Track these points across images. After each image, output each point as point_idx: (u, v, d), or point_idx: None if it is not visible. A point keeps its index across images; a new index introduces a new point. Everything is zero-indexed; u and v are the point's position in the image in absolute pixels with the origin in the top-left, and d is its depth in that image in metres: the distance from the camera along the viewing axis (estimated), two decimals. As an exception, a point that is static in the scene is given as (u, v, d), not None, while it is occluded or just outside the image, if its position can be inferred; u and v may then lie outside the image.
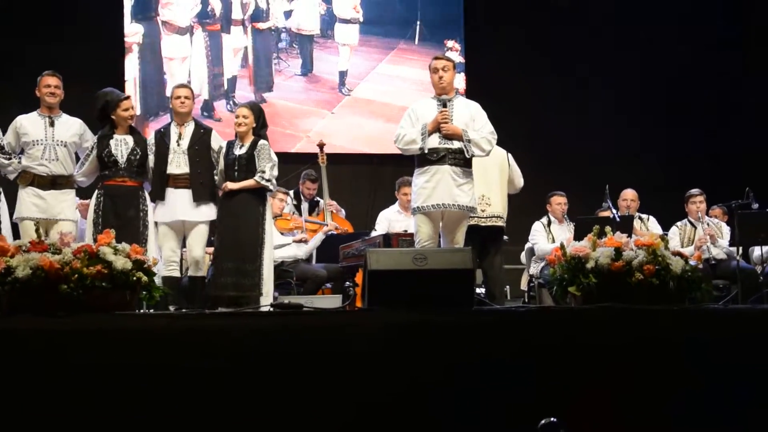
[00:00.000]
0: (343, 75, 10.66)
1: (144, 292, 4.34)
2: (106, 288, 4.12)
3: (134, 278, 4.21)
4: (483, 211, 6.53)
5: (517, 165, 6.98)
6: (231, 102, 10.25)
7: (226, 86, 10.33)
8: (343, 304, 5.88)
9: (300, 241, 7.79)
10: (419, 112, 5.93)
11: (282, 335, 3.98)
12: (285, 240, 7.57)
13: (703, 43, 10.72)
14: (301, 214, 8.39)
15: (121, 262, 4.19)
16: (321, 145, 8.62)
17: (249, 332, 3.96)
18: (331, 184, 8.57)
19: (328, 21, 10.64)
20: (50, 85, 6.25)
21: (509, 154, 6.92)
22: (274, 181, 6.25)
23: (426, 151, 5.80)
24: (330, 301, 6.80)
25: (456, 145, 5.82)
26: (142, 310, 4.52)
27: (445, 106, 5.86)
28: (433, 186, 5.79)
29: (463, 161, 5.85)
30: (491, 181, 6.63)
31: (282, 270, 7.31)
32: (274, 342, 3.94)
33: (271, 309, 4.76)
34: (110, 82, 6.82)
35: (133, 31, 10.10)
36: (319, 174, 8.55)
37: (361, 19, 10.67)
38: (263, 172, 6.15)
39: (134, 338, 3.87)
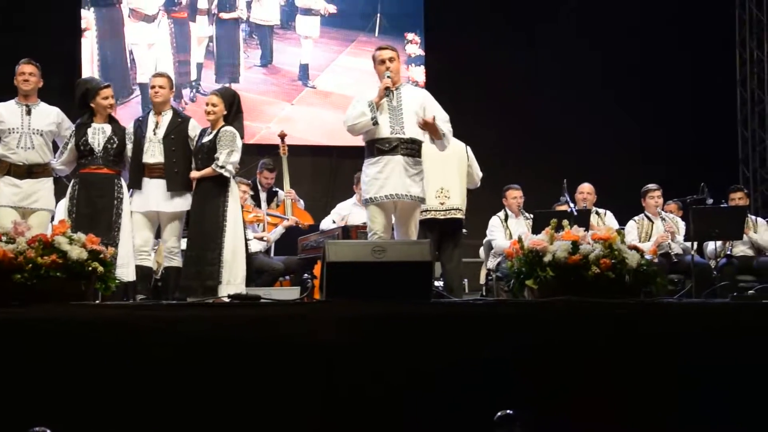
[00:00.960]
0: (304, 67, 10.62)
1: (99, 283, 4.30)
2: (61, 278, 4.08)
3: (89, 268, 4.17)
4: (442, 204, 6.54)
5: (477, 159, 7.01)
6: (194, 90, 10.20)
7: (194, 75, 10.29)
8: (301, 296, 5.86)
9: (260, 239, 7.85)
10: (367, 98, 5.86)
11: (239, 327, 3.95)
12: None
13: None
14: (259, 205, 8.34)
15: (76, 252, 4.14)
16: (282, 136, 8.55)
17: (203, 323, 3.94)
18: (290, 176, 8.53)
19: (289, 12, 10.60)
20: (24, 72, 6.20)
21: (468, 147, 6.94)
22: (229, 167, 6.08)
23: (378, 122, 5.72)
24: (288, 293, 6.77)
25: (407, 134, 5.77)
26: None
27: (390, 89, 5.78)
28: (385, 176, 5.76)
29: (415, 151, 5.82)
30: (450, 173, 6.64)
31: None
32: (230, 334, 3.91)
33: (228, 300, 4.73)
34: (64, 69, 6.73)
35: (82, 16, 10.01)
36: (277, 164, 8.50)
37: (324, 12, 10.65)
38: (218, 159, 6.08)
39: (89, 329, 3.83)
